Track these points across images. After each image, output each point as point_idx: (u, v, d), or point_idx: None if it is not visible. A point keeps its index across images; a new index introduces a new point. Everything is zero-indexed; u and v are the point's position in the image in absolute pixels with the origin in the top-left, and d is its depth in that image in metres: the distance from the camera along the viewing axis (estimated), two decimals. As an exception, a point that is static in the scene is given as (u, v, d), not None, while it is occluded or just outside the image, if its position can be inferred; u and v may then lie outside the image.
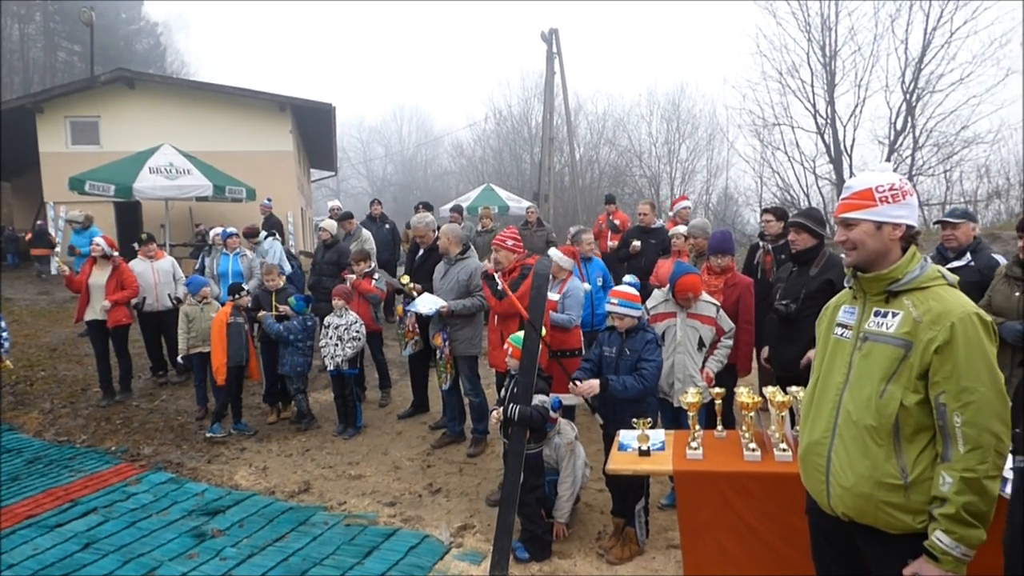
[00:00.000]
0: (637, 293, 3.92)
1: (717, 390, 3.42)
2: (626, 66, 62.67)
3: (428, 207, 10.33)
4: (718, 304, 4.22)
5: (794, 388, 3.06)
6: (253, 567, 3.80)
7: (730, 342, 4.27)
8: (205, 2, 71.75)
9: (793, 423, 3.06)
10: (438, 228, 6.27)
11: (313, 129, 19.90)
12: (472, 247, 5.64)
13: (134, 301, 6.84)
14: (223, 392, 6.04)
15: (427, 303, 5.32)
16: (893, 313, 1.94)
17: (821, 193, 21.54)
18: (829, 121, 21.08)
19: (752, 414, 3.19)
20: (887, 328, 1.93)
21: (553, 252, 5.24)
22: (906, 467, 1.86)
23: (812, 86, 21.09)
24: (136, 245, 7.67)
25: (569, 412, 5.11)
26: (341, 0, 74.32)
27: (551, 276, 5.04)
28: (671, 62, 59.26)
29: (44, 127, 16.05)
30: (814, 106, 21.17)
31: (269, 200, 12.42)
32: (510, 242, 4.85)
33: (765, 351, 4.55)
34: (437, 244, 5.85)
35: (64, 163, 14.83)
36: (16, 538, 4.17)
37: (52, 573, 3.75)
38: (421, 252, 6.38)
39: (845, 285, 2.14)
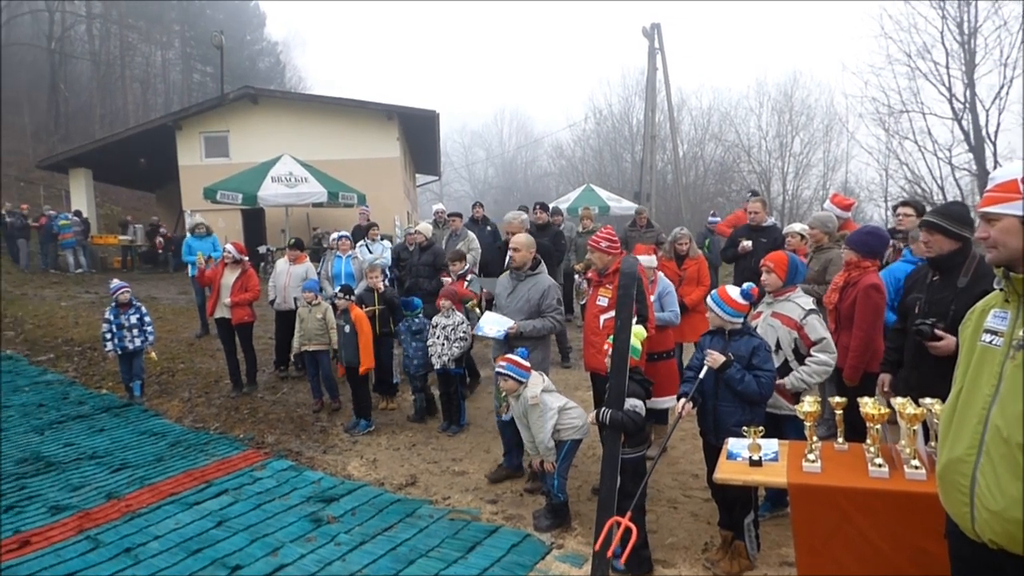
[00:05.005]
0: (743, 303, 3.66)
1: (838, 399, 3.19)
2: (733, 57, 60.30)
3: (524, 210, 10.46)
4: (807, 309, 3.82)
5: (928, 400, 2.79)
6: (365, 554, 3.99)
7: (825, 358, 3.74)
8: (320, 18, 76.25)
9: (927, 438, 2.80)
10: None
11: (418, 135, 20.67)
12: (542, 262, 5.11)
13: (271, 297, 7.64)
14: (357, 392, 6.28)
15: (492, 323, 4.80)
16: (1054, 319, 1.73)
17: (959, 185, 19.66)
18: (968, 105, 19.20)
19: (878, 427, 2.94)
20: (1046, 336, 1.72)
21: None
22: (1068, 493, 1.64)
23: (947, 67, 19.36)
24: (272, 248, 8.45)
25: (662, 416, 4.98)
26: (442, 1, 76.59)
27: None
28: (782, 50, 56.30)
29: (182, 142, 17.84)
30: (950, 89, 19.39)
31: (367, 206, 13.20)
32: (604, 244, 4.65)
33: (885, 380, 3.71)
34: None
35: (199, 174, 16.34)
36: (161, 512, 4.64)
37: (191, 546, 4.14)
38: None
39: (995, 287, 1.93)
